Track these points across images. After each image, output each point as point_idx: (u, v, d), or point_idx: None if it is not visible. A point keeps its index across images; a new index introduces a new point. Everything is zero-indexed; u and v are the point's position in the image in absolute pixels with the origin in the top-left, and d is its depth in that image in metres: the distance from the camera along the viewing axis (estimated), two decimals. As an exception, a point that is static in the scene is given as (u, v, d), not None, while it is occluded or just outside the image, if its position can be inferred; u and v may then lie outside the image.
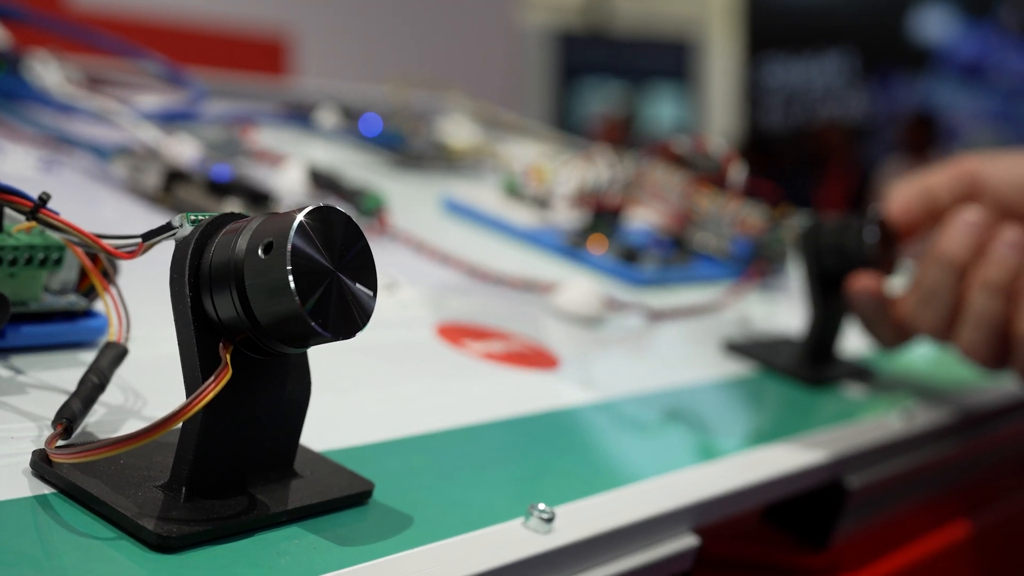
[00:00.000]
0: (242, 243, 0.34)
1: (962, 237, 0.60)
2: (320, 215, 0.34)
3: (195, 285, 0.35)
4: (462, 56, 2.66)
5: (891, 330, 0.63)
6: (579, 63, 5.08)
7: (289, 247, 0.33)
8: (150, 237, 0.37)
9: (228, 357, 0.34)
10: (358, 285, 0.35)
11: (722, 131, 5.02)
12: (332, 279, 0.34)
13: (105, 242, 0.37)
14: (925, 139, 4.36)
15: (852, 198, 4.60)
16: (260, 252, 0.33)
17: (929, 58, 5.33)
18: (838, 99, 5.45)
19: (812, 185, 4.60)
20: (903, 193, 0.64)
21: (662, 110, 5.35)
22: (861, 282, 0.63)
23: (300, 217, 0.34)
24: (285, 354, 0.36)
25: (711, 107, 5.42)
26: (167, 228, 0.36)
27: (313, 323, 0.33)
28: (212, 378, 0.33)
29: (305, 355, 0.38)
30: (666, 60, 5.34)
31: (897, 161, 4.43)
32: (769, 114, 5.49)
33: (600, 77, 5.18)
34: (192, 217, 0.36)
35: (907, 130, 4.52)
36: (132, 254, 0.37)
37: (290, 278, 0.33)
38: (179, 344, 0.35)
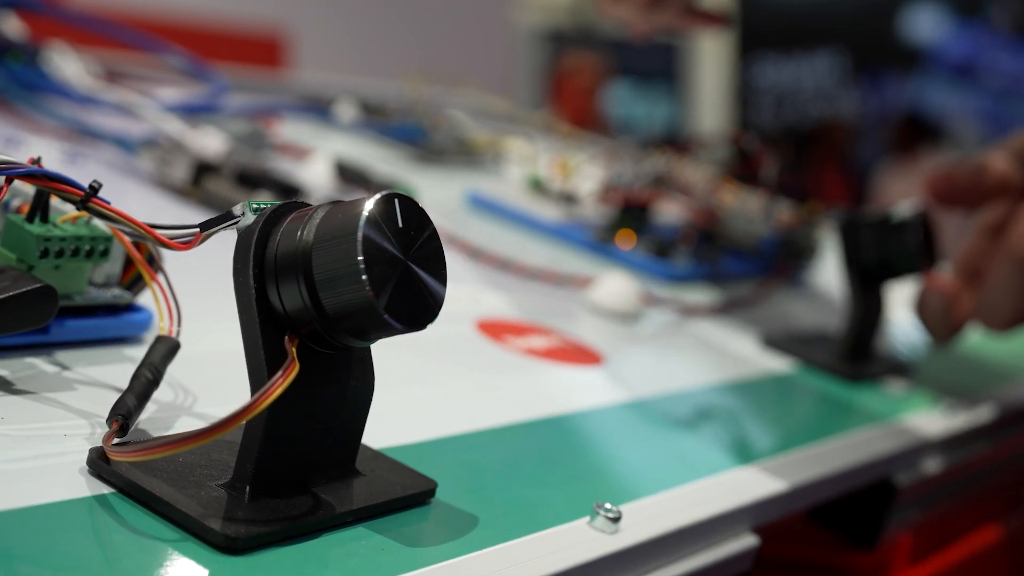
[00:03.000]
0: (309, 232, 0.33)
1: None
2: (389, 203, 0.33)
3: (260, 276, 0.33)
4: (455, 55, 2.66)
5: (949, 327, 0.63)
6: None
7: (360, 236, 0.32)
8: (209, 227, 0.35)
9: (294, 351, 0.33)
10: (428, 274, 0.34)
11: (713, 131, 5.02)
12: (404, 269, 0.33)
13: (159, 232, 0.36)
14: (915, 139, 4.36)
15: (853, 197, 4.58)
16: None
17: (920, 58, 5.33)
18: (829, 99, 5.45)
19: (808, 182, 4.56)
20: (978, 163, 0.63)
21: (652, 110, 5.34)
22: (934, 281, 0.63)
23: (370, 205, 0.32)
24: (350, 347, 0.35)
25: (702, 107, 5.41)
26: (228, 217, 0.35)
27: (386, 315, 0.32)
28: (280, 373, 0.32)
29: (368, 348, 0.36)
30: (656, 60, 5.33)
31: (888, 161, 4.43)
32: (760, 114, 5.49)
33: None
34: (254, 206, 0.34)
35: (897, 130, 4.52)
36: (188, 244, 0.35)
37: (362, 268, 0.32)
38: (243, 337, 0.33)
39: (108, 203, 0.36)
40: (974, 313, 0.62)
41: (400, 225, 0.33)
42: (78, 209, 0.36)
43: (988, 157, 0.64)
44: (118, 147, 0.66)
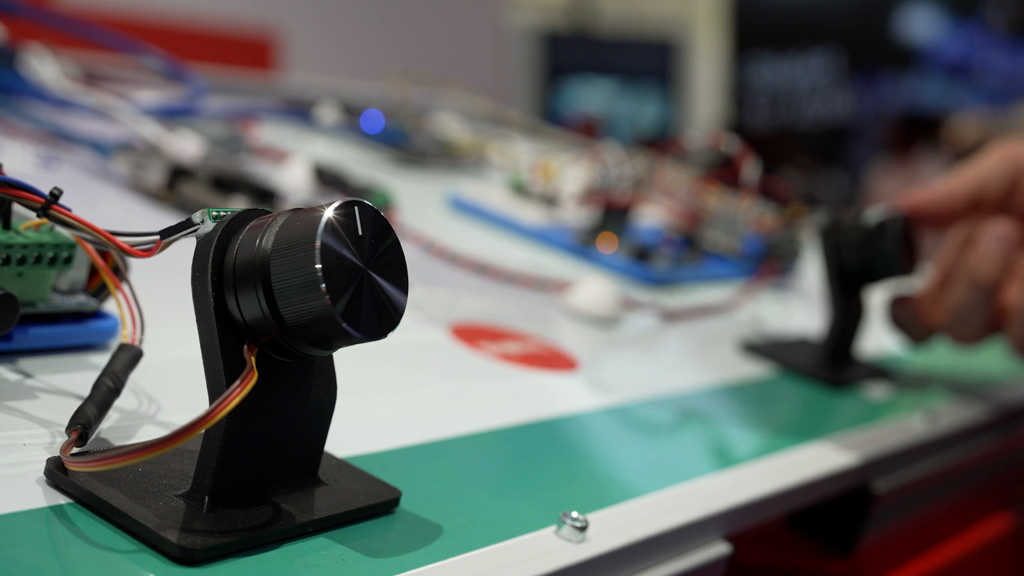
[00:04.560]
0: (268, 240, 0.32)
1: (993, 255, 0.60)
2: (349, 210, 0.33)
3: (218, 284, 0.33)
4: (449, 56, 2.65)
5: (922, 331, 0.63)
6: (564, 63, 5.06)
7: (318, 244, 0.31)
8: (169, 234, 0.35)
9: (253, 360, 0.32)
10: (389, 283, 0.33)
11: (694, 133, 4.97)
12: (363, 277, 0.32)
13: (120, 239, 0.35)
14: (910, 139, 4.35)
15: None
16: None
17: (915, 57, 5.33)
18: (824, 98, 5.45)
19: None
20: (948, 183, 0.63)
21: (647, 110, 5.33)
22: (900, 306, 0.64)
23: (329, 213, 0.32)
24: (311, 356, 0.34)
25: (696, 107, 5.41)
26: (187, 224, 0.34)
27: (344, 324, 0.32)
28: (238, 382, 0.31)
29: (331, 357, 0.36)
30: (651, 60, 5.32)
31: (883, 161, 4.42)
32: (755, 114, 5.48)
33: (585, 76, 5.17)
34: (214, 213, 0.34)
35: (891, 130, 4.50)
36: (149, 252, 0.35)
37: (320, 276, 0.31)
38: (202, 346, 0.33)
39: (69, 210, 0.36)
40: (943, 324, 0.62)
41: (360, 233, 0.33)
42: (39, 216, 0.35)
43: (961, 177, 0.64)
44: (93, 151, 0.65)
